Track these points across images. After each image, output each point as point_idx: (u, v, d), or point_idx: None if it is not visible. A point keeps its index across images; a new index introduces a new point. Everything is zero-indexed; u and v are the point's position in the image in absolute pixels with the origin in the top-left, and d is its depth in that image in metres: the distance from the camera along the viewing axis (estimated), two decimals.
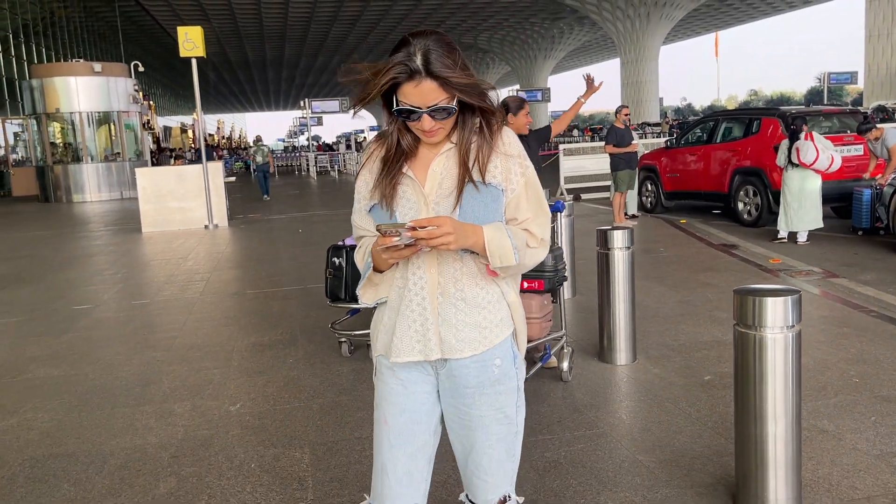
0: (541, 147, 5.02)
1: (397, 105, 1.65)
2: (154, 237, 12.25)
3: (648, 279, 6.79)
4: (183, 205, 13.51)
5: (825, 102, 34.52)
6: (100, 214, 17.59)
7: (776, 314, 2.48)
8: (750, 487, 2.62)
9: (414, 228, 1.54)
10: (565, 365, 4.21)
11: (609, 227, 4.53)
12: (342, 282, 4.78)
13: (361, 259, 1.81)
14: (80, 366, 5.01)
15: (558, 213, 4.70)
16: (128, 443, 3.63)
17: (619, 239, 4.44)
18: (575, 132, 44.66)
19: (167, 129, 54.97)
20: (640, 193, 12.37)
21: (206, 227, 13.22)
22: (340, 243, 4.89)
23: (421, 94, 1.62)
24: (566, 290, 6.35)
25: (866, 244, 8.28)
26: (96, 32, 46.39)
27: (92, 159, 23.28)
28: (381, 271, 1.76)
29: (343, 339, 4.87)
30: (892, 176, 8.01)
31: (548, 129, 5.67)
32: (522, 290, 3.94)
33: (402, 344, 1.75)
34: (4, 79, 32.47)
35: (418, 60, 1.59)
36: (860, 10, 38.32)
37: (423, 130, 1.68)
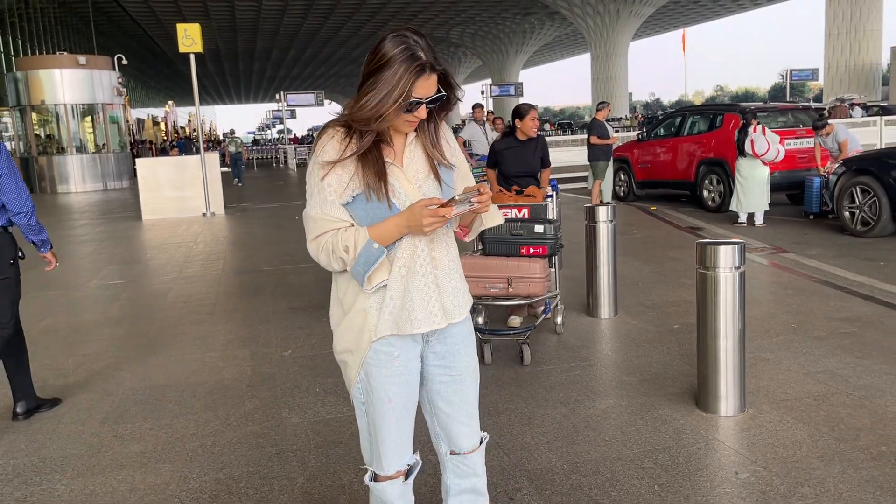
0: (537, 154, 5.51)
1: (408, 98, 1.79)
2: (156, 224, 12.89)
3: (625, 255, 7.71)
4: (181, 193, 14.15)
5: (787, 98, 36.04)
6: (92, 204, 18.08)
7: (726, 258, 3.39)
8: (708, 388, 3.53)
9: (480, 194, 1.76)
10: (559, 319, 4.95)
11: (596, 205, 5.43)
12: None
13: (353, 245, 1.80)
14: (138, 325, 5.77)
15: (555, 192, 5.28)
16: (207, 377, 4.43)
17: (603, 214, 5.34)
18: (547, 126, 45.68)
19: (140, 122, 54.86)
20: (613, 183, 13.31)
21: (203, 214, 13.89)
22: None
23: (428, 86, 1.79)
24: (556, 263, 7.26)
25: (815, 226, 9.31)
26: (69, 25, 46.22)
27: (76, 151, 23.66)
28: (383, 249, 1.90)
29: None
30: (837, 165, 9.03)
31: (546, 148, 5.67)
32: (528, 255, 4.63)
33: (419, 315, 1.88)
34: None
35: (431, 56, 1.78)
36: (821, 9, 39.67)
37: (415, 118, 1.84)
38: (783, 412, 3.52)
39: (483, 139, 11.35)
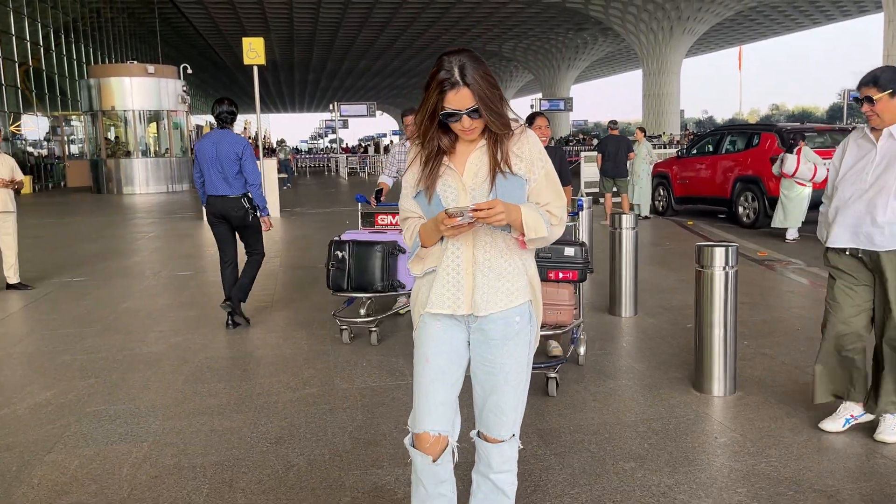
0: (558, 165, 5.17)
1: (443, 111, 2.05)
2: None
3: (653, 264, 8.20)
4: None
5: (845, 118, 35.60)
6: (155, 204, 19.19)
7: (720, 258, 3.91)
8: (703, 371, 4.04)
9: (477, 210, 1.93)
10: (581, 349, 4.63)
11: (620, 213, 5.97)
12: (345, 273, 5.24)
13: (410, 238, 2.19)
14: (206, 309, 6.50)
15: (580, 213, 4.99)
16: (268, 352, 5.10)
17: (626, 222, 5.87)
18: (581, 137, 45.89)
19: (199, 128, 56.94)
20: (652, 197, 13.75)
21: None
22: (338, 238, 5.35)
23: (460, 99, 2.02)
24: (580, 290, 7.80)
25: None
26: (137, 34, 48.40)
27: (142, 154, 24.99)
28: (425, 247, 2.15)
29: (344, 328, 5.26)
30: None
31: (565, 161, 5.55)
32: (558, 280, 4.29)
33: (437, 298, 2.16)
34: (57, 76, 34.33)
35: (456, 73, 2.01)
36: (881, 29, 38.95)
37: (463, 128, 2.07)
38: (768, 395, 4.01)
39: None
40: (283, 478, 3.15)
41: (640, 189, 13.03)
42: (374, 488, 3.03)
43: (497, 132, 2.09)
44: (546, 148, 5.14)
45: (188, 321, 6.09)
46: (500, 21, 47.86)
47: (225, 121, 5.79)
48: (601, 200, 13.04)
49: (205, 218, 14.49)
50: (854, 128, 3.77)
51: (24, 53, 30.33)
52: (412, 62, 64.08)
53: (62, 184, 28.04)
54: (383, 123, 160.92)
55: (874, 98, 3.17)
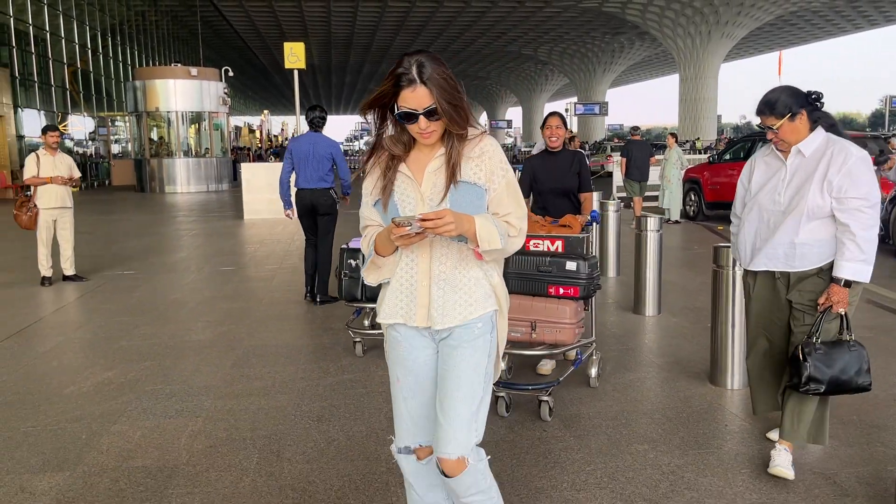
0: (574, 170, 4.84)
1: (398, 110, 1.96)
2: (256, 223, 14.25)
3: (680, 266, 8.39)
4: (277, 196, 15.44)
5: (887, 125, 35.06)
6: (197, 203, 19.78)
7: (733, 259, 4.13)
8: (718, 365, 4.27)
9: (423, 220, 1.84)
10: (593, 371, 4.30)
11: (644, 215, 6.19)
12: (359, 282, 5.12)
13: (366, 246, 2.12)
14: (250, 302, 6.87)
15: (594, 224, 4.66)
16: (309, 342, 5.44)
17: (651, 224, 6.09)
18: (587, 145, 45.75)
19: (237, 129, 58.07)
20: (683, 202, 13.88)
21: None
22: (346, 246, 5.28)
23: (417, 98, 1.92)
24: (612, 270, 8.01)
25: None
26: (179, 37, 49.58)
27: (184, 154, 25.71)
28: (382, 256, 2.07)
29: (358, 340, 5.04)
30: (889, 195, 9.39)
31: (585, 166, 4.95)
32: (557, 296, 3.98)
33: (389, 309, 2.11)
34: (103, 78, 35.40)
35: (414, 71, 1.92)
36: None
37: (420, 131, 1.97)
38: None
39: None
40: (325, 450, 3.47)
41: (671, 194, 13.21)
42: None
43: (455, 133, 2.00)
44: (563, 152, 4.85)
45: (232, 312, 6.46)
46: (536, 25, 48.00)
47: (317, 125, 6.73)
48: (632, 204, 13.29)
49: (245, 216, 15.07)
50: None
51: (71, 55, 31.36)
52: (448, 65, 64.48)
53: (107, 182, 28.95)
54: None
55: (775, 126, 3.05)
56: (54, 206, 7.86)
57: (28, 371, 4.81)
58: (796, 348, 3.05)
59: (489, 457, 2.14)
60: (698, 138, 43.84)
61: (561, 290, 3.98)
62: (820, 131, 3.06)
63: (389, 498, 2.99)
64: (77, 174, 8.07)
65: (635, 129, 13.90)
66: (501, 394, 3.87)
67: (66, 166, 7.95)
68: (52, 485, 3.14)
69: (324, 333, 5.66)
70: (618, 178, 16.92)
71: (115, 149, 33.13)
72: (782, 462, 3.10)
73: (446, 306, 2.05)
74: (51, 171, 7.81)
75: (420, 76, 1.92)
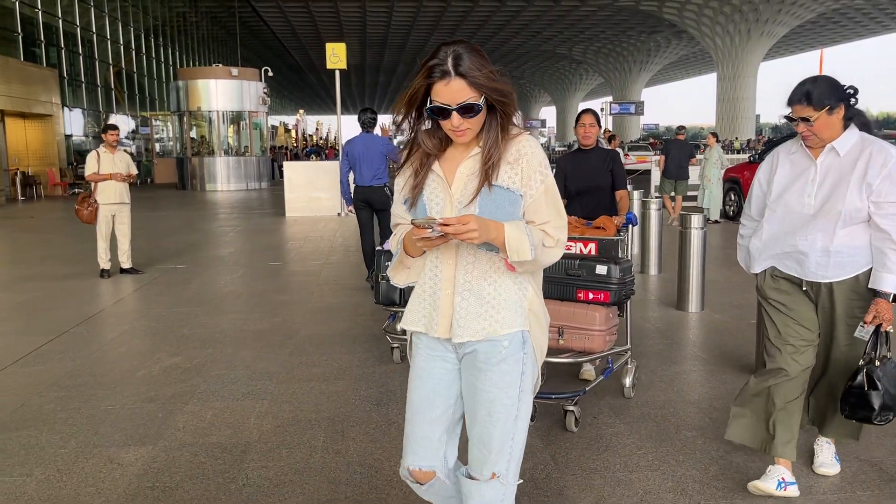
0: (607, 168, 4.73)
1: (431, 104, 1.79)
2: (298, 220, 14.56)
3: (720, 265, 8.45)
4: (319, 195, 15.81)
5: None
6: (238, 201, 20.21)
7: None
8: (762, 360, 4.36)
9: (444, 224, 1.70)
10: (628, 381, 4.12)
11: (687, 214, 6.29)
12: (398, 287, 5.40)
13: (395, 245, 2.00)
14: (300, 295, 7.12)
15: (630, 226, 4.43)
16: (361, 331, 5.65)
17: (695, 221, 6.19)
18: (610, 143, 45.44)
19: (273, 129, 58.94)
20: (724, 202, 13.86)
21: (338, 214, 15.46)
22: (381, 247, 4.96)
23: (451, 92, 1.75)
24: (654, 268, 8.10)
25: None
26: (218, 38, 50.45)
27: (224, 153, 26.23)
28: (411, 256, 1.95)
29: (395, 346, 4.81)
30: None
31: (619, 164, 4.84)
32: (587, 301, 3.78)
33: (411, 315, 2.00)
34: (145, 78, 36.24)
35: (449, 62, 1.74)
36: None
37: (452, 128, 1.81)
38: None
39: None
40: (387, 431, 3.66)
41: (711, 193, 13.21)
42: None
43: (496, 131, 1.86)
44: (596, 150, 4.79)
45: (285, 304, 6.70)
46: (571, 24, 47.92)
47: (368, 125, 7.24)
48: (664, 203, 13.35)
49: (286, 213, 15.40)
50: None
51: (115, 56, 32.17)
52: (489, 58, 64.54)
53: (149, 180, 29.62)
54: None
55: (811, 118, 2.74)
56: (113, 202, 8.19)
57: (100, 356, 5.09)
58: (858, 375, 2.77)
59: (521, 481, 2.01)
60: (736, 138, 43.33)
61: (591, 296, 3.78)
62: (854, 129, 2.79)
63: None
64: (134, 171, 8.40)
65: (680, 128, 14.02)
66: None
67: (124, 163, 8.28)
68: (138, 457, 3.38)
69: (374, 324, 5.87)
70: (656, 178, 16.93)
71: (156, 147, 33.83)
72: (826, 460, 3.11)
73: (469, 318, 1.89)
74: (110, 168, 8.14)
75: (456, 68, 1.75)
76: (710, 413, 3.87)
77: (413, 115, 1.88)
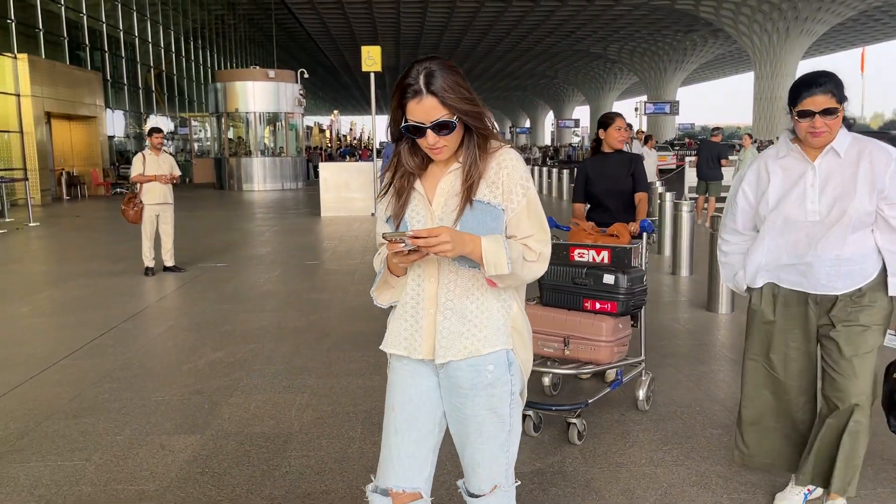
0: (629, 171, 4.59)
1: (405, 122, 1.79)
2: (333, 220, 14.83)
3: None
4: (353, 195, 16.07)
5: None
6: (274, 201, 20.59)
7: None
8: None
9: (414, 237, 1.67)
10: (641, 393, 4.00)
11: (720, 215, 6.35)
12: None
13: (378, 263, 1.98)
14: (337, 294, 7.32)
15: (644, 234, 4.22)
16: None
17: None
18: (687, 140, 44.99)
19: (308, 129, 59.65)
20: None
21: (372, 214, 15.70)
22: None
23: (423, 110, 1.75)
24: (685, 269, 8.15)
25: None
26: (255, 40, 51.25)
27: (261, 154, 26.70)
28: (396, 276, 1.91)
29: (528, 412, 3.68)
30: None
31: (640, 167, 4.67)
32: (594, 311, 3.67)
33: (392, 337, 1.95)
34: (184, 80, 36.99)
35: (421, 81, 1.73)
36: None
37: (428, 146, 1.80)
38: None
39: None
40: None
41: None
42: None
43: (476, 145, 1.84)
44: (619, 154, 4.68)
45: (322, 302, 6.91)
46: (605, 23, 47.67)
47: None
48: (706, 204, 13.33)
49: (322, 213, 15.68)
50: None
51: (155, 59, 32.90)
52: (514, 65, 64.59)
53: (187, 180, 30.27)
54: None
55: (837, 110, 2.51)
56: (158, 202, 8.50)
57: (148, 350, 5.34)
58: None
59: (518, 482, 2.03)
60: (777, 137, 42.67)
61: (598, 305, 3.66)
62: (844, 129, 2.60)
63: None
64: (177, 172, 8.70)
65: (715, 130, 14.13)
66: (528, 412, 3.63)
67: (168, 165, 8.58)
68: (187, 444, 3.59)
69: None
70: (691, 179, 16.88)
71: (194, 148, 34.53)
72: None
73: (451, 337, 1.86)
74: (155, 169, 8.45)
75: (427, 86, 1.74)
76: (736, 411, 3.95)
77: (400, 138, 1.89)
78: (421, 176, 1.91)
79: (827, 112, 2.49)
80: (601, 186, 4.61)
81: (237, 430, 3.77)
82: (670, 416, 3.92)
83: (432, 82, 1.74)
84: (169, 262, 8.74)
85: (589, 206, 4.72)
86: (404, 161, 1.90)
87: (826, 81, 2.50)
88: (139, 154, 8.57)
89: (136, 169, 8.46)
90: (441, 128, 1.77)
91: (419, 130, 1.78)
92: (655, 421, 3.85)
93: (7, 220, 15.25)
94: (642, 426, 3.78)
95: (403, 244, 1.70)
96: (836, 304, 2.64)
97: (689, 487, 3.10)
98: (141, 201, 8.47)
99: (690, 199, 12.35)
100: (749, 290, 2.86)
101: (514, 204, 1.84)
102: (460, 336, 1.85)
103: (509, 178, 1.83)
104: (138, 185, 8.50)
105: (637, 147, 12.56)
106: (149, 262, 8.54)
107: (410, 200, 1.89)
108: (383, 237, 1.76)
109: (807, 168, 2.61)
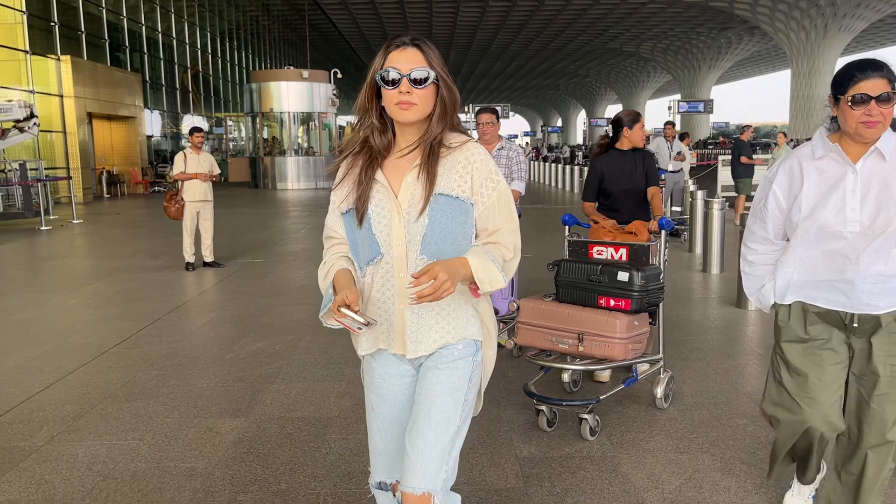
0: (644, 169, 4.64)
1: (382, 69, 1.77)
2: None
3: None
4: None
5: None
6: (306, 199, 20.90)
7: None
8: None
9: (420, 298, 1.66)
10: (659, 391, 3.99)
11: (747, 214, 6.40)
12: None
13: (323, 280, 1.90)
14: None
15: (662, 231, 4.05)
16: None
17: None
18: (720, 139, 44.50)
19: (341, 129, 60.17)
20: None
21: None
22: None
23: (405, 58, 1.75)
24: (716, 267, 8.19)
25: None
26: (288, 40, 51.87)
27: (294, 153, 27.09)
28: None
29: (541, 408, 3.76)
30: None
31: (652, 163, 4.72)
32: (608, 308, 3.68)
33: (370, 338, 1.92)
34: (220, 80, 37.62)
35: (408, 38, 1.79)
36: None
37: (400, 98, 1.75)
38: None
39: (666, 155, 12.24)
40: None
41: None
42: (525, 422, 3.79)
43: (436, 130, 1.82)
44: (631, 150, 4.68)
45: None
46: (638, 21, 47.37)
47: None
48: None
49: None
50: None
51: (192, 59, 33.53)
52: (547, 63, 64.39)
53: (223, 178, 30.82)
54: (516, 125, 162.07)
55: (893, 97, 2.20)
56: (198, 200, 8.77)
57: (191, 340, 5.58)
58: None
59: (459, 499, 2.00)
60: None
61: (612, 302, 3.67)
62: (890, 129, 2.31)
63: (512, 451, 3.46)
64: (217, 171, 8.96)
65: (744, 128, 14.21)
66: (542, 407, 3.70)
67: (208, 164, 8.85)
68: (233, 427, 3.79)
69: None
70: (723, 178, 16.79)
71: (229, 147, 35.11)
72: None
73: (421, 332, 1.85)
74: (196, 168, 8.72)
75: (413, 41, 1.79)
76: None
77: (373, 109, 1.85)
78: (382, 166, 1.85)
79: (884, 99, 2.19)
80: (618, 185, 4.61)
81: (279, 415, 3.96)
82: (696, 406, 4.02)
83: (419, 41, 1.79)
84: (209, 258, 9.01)
85: (597, 204, 4.71)
86: (372, 140, 1.85)
87: (884, 65, 2.21)
88: (181, 152, 8.85)
89: (177, 167, 8.73)
90: (417, 82, 1.75)
91: (395, 82, 1.76)
92: (682, 411, 3.95)
93: (52, 217, 15.75)
94: (669, 415, 3.88)
95: (361, 329, 1.73)
96: (879, 327, 2.35)
97: (713, 473, 3.21)
98: (182, 198, 8.75)
99: (723, 197, 12.34)
100: (776, 306, 2.54)
101: (484, 198, 1.83)
102: (429, 329, 1.85)
103: (479, 171, 1.83)
104: (180, 183, 8.78)
105: (679, 145, 12.48)
106: (189, 257, 8.82)
107: (373, 193, 1.83)
108: (339, 310, 1.73)
109: (847, 171, 2.29)
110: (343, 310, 1.73)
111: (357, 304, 1.75)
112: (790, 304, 2.47)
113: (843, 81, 2.24)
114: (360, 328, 1.75)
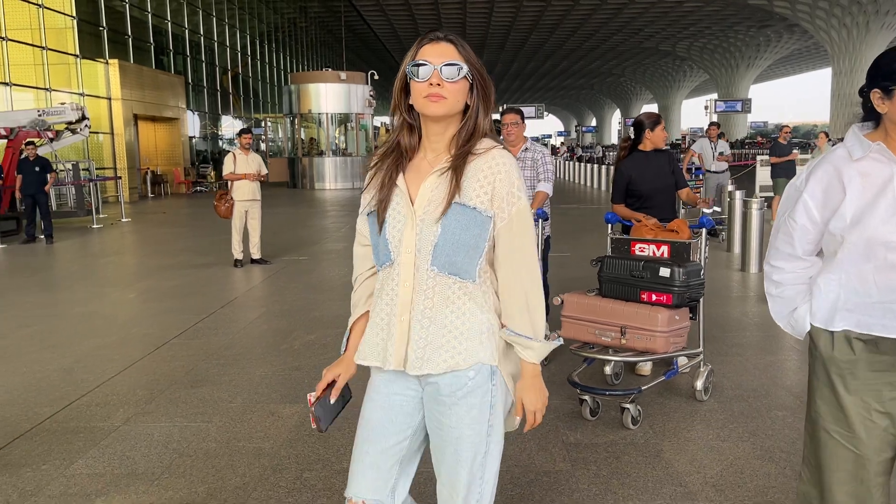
0: (671, 168, 4.76)
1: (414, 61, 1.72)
2: None
3: None
4: None
5: None
6: (344, 199, 21.25)
7: None
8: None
9: (531, 427, 1.70)
10: (699, 384, 4.11)
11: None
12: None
13: (349, 318, 1.95)
14: None
15: (703, 230, 4.12)
16: None
17: None
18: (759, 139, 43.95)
19: (376, 129, 60.69)
20: None
21: None
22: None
23: (438, 50, 1.70)
24: (754, 265, 8.26)
25: None
26: (325, 42, 52.50)
27: (332, 154, 27.50)
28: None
29: (585, 397, 3.96)
30: None
31: (678, 164, 4.91)
32: (650, 303, 3.79)
33: (366, 347, 1.83)
34: (259, 82, 38.28)
35: (441, 33, 1.73)
36: None
37: (430, 90, 1.68)
38: None
39: (710, 155, 12.27)
40: None
41: None
42: (570, 411, 3.97)
43: (467, 132, 1.75)
44: (655, 151, 4.80)
45: None
46: (674, 20, 47.00)
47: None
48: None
49: None
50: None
51: (232, 61, 34.19)
52: (581, 63, 64.16)
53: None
54: (550, 125, 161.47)
55: None
56: (247, 199, 9.09)
57: (246, 332, 5.85)
58: None
59: None
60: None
61: (654, 297, 3.80)
62: None
63: (559, 437, 3.64)
64: (265, 171, 9.28)
65: (781, 128, 14.29)
66: (585, 397, 3.88)
67: (256, 164, 9.17)
68: (294, 412, 4.03)
69: None
70: (762, 178, 16.72)
71: (264, 147, 35.77)
72: None
73: (429, 349, 1.72)
74: (244, 168, 9.04)
75: (447, 36, 1.73)
76: (802, 396, 4.16)
77: (402, 105, 1.79)
78: (406, 168, 1.79)
79: None
80: (648, 186, 4.68)
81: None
82: (737, 398, 4.15)
83: (453, 37, 1.73)
84: (256, 255, 9.32)
85: (636, 203, 4.75)
86: (401, 140, 1.80)
87: None
88: (230, 153, 9.18)
89: (227, 167, 9.06)
90: (450, 68, 1.69)
91: (423, 67, 1.70)
92: (722, 403, 4.09)
93: (102, 216, 16.30)
94: (709, 406, 4.03)
95: (321, 406, 1.90)
96: None
97: (753, 460, 3.35)
98: (232, 198, 9.07)
99: (761, 197, 12.34)
100: (814, 332, 2.03)
101: (504, 213, 1.73)
102: (439, 348, 1.72)
103: (502, 184, 1.72)
104: (229, 183, 9.10)
105: (722, 145, 12.47)
106: (238, 254, 9.14)
107: (392, 197, 1.77)
108: (309, 397, 1.91)
109: (894, 171, 1.89)
110: (310, 396, 1.88)
111: (322, 390, 1.92)
112: (836, 332, 1.97)
113: (892, 68, 1.89)
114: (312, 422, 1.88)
